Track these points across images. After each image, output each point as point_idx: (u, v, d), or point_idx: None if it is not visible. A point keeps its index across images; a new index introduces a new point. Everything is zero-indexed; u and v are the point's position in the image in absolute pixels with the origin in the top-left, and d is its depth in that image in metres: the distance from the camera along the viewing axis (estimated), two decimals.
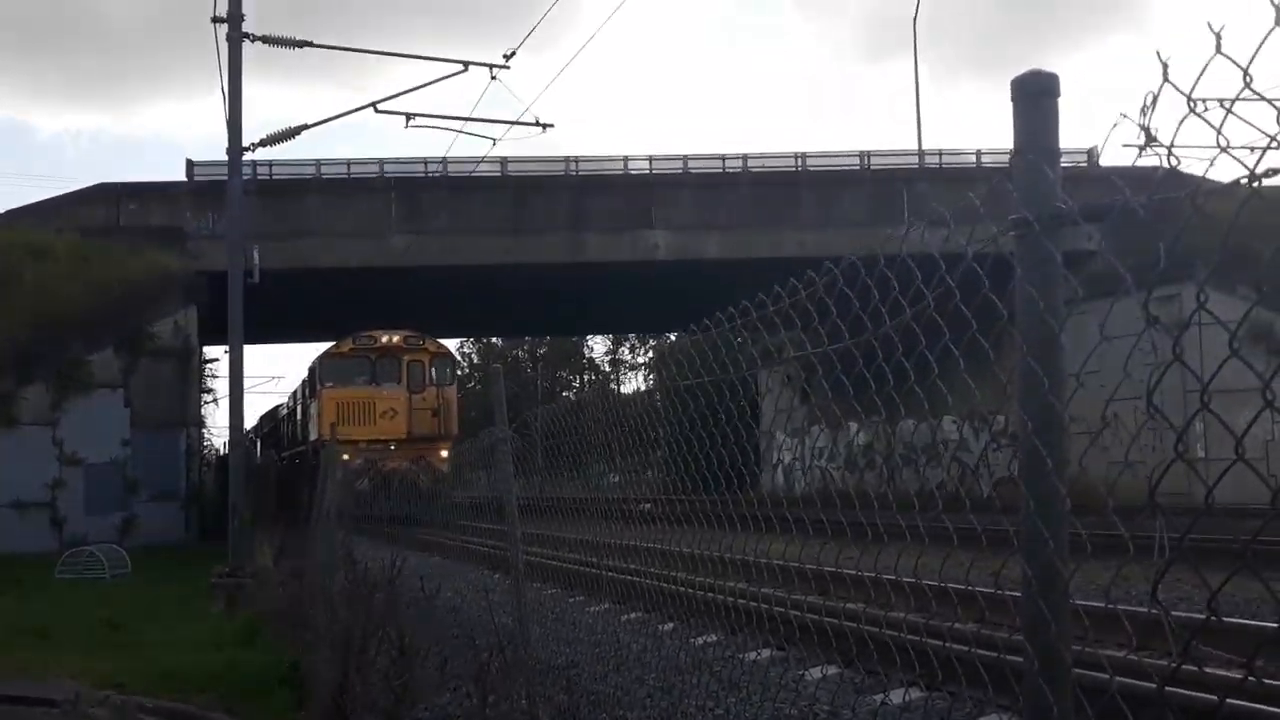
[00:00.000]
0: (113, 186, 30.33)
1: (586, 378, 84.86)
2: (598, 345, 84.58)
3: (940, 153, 34.04)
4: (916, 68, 55.15)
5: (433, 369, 33.82)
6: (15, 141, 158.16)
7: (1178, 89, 1.67)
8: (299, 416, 39.70)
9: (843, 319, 3.13)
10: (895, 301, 2.73)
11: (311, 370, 35.36)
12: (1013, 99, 2.12)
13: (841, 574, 7.75)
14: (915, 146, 37.89)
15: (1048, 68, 2.07)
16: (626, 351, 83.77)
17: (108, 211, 29.65)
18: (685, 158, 33.06)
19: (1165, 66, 1.66)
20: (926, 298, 2.39)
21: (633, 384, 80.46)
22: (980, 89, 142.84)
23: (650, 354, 77.58)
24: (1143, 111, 1.70)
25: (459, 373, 39.69)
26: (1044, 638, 1.96)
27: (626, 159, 32.90)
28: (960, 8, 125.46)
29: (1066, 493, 1.96)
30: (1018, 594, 2.10)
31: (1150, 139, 1.73)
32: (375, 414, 32.67)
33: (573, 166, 32.27)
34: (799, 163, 32.83)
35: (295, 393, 42.19)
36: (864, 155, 33.08)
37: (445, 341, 37.19)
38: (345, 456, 29.91)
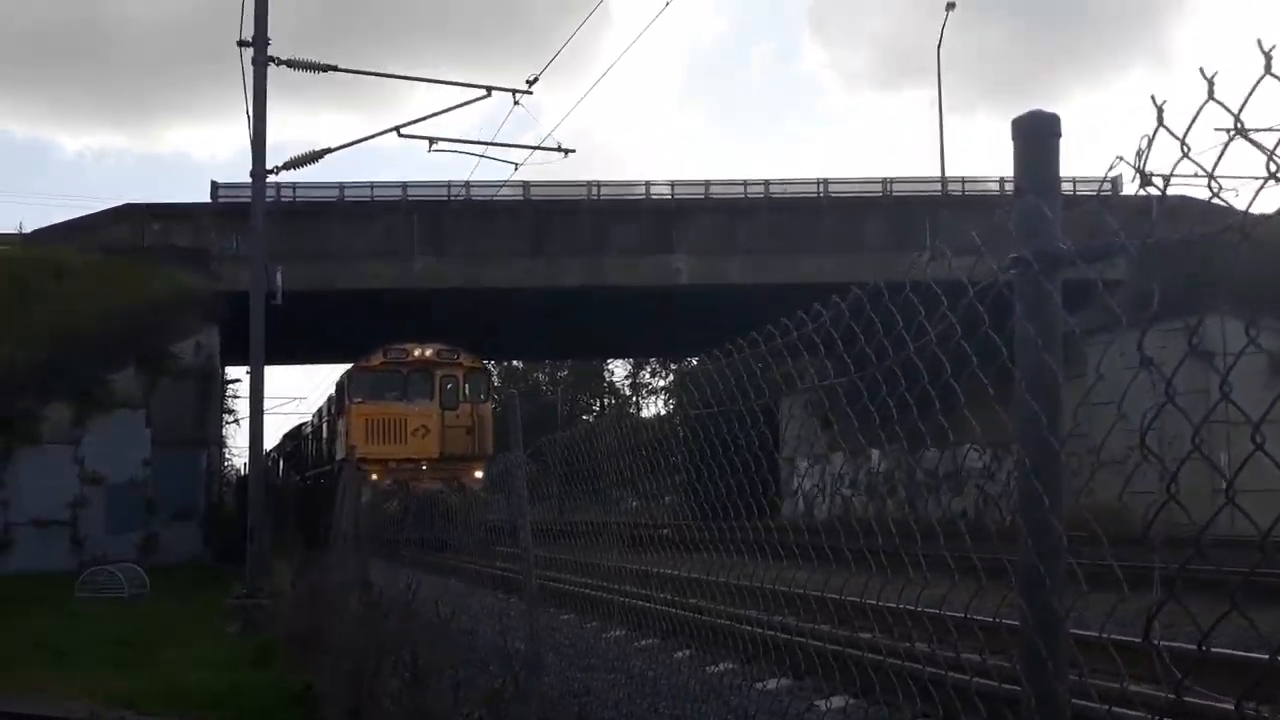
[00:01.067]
0: (137, 207, 30.61)
1: (607, 401, 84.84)
2: (618, 369, 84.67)
3: (963, 180, 34.00)
4: (940, 95, 55.10)
5: (467, 385, 31.99)
6: (38, 160, 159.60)
7: (1171, 133, 1.68)
8: (324, 434, 38.06)
9: (851, 348, 3.14)
10: (900, 334, 2.74)
11: (339, 385, 33.61)
12: (1013, 138, 2.13)
13: (848, 602, 7.72)
14: (936, 174, 37.86)
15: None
16: (647, 375, 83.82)
17: (132, 231, 29.92)
18: (707, 183, 33.12)
19: (1160, 110, 1.68)
20: (929, 333, 2.39)
21: (653, 408, 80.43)
22: (995, 119, 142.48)
23: (671, 378, 77.55)
24: (1138, 154, 1.71)
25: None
26: (1041, 677, 1.95)
27: (649, 184, 33.00)
28: (975, 38, 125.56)
29: (1064, 532, 1.96)
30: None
31: (1146, 180, 1.74)
32: (406, 432, 31.05)
33: (595, 191, 32.38)
34: (821, 189, 32.85)
35: (320, 410, 40.69)
36: (886, 182, 33.10)
37: None
38: (374, 476, 28.00)
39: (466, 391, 31.89)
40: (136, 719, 10.44)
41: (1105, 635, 2.10)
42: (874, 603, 4.90)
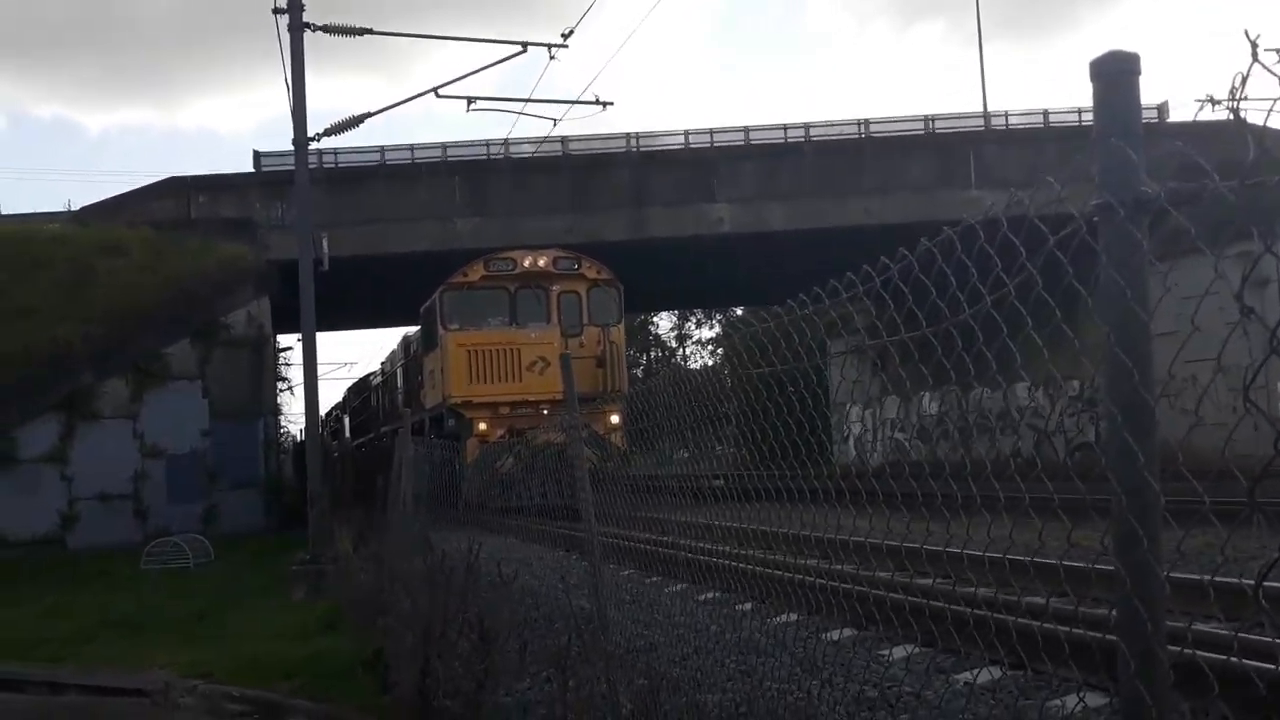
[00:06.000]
0: (182, 180, 30.81)
1: (653, 354, 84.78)
2: (663, 320, 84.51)
3: (1006, 114, 33.50)
4: (980, 26, 54.40)
5: (592, 302, 24.81)
6: (65, 138, 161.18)
7: (1269, 70, 1.59)
8: (400, 382, 32.04)
9: (919, 301, 3.06)
10: (974, 284, 2.67)
11: (429, 310, 26.32)
12: (1092, 80, 2.05)
13: (905, 548, 7.67)
14: (979, 109, 37.35)
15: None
16: (693, 326, 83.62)
17: (178, 205, 30.13)
18: (747, 129, 32.82)
19: (1255, 46, 1.59)
20: (1008, 285, 2.32)
21: (699, 360, 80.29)
22: (1004, 50, 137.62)
23: (718, 328, 77.27)
24: (1232, 94, 1.63)
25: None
26: (1140, 638, 1.90)
27: (687, 133, 32.73)
28: None
29: (1160, 489, 1.89)
30: (1098, 565, 2.03)
31: (1242, 124, 1.66)
32: (520, 365, 24.04)
33: (634, 143, 32.18)
34: (862, 129, 32.48)
35: (393, 354, 34.89)
36: (928, 119, 32.66)
37: None
38: (482, 426, 23.63)
39: (592, 311, 24.89)
40: (211, 688, 10.61)
41: (1209, 579, 2.03)
42: (934, 548, 4.86)
